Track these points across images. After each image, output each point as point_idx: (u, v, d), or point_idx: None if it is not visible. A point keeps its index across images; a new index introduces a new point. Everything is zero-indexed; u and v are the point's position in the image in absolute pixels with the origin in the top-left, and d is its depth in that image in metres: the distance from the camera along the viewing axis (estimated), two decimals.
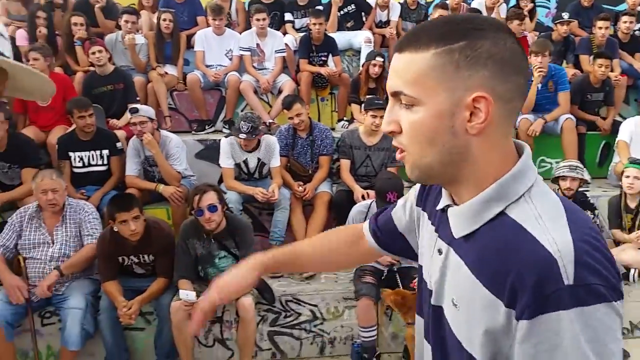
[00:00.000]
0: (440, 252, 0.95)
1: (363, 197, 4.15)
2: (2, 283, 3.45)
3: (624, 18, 6.20)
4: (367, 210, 3.79)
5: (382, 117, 4.31)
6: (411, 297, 3.24)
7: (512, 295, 0.78)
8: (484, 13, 6.39)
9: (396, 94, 0.87)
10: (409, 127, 0.86)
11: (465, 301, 0.87)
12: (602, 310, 0.75)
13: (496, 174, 0.86)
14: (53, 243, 3.53)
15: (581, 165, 4.27)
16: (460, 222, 0.90)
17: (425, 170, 0.88)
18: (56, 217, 3.56)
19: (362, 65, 5.52)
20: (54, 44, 5.67)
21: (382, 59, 5.24)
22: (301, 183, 4.39)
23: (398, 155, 0.91)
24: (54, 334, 3.53)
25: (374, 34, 6.28)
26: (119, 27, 5.91)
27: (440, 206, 0.98)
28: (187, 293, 3.25)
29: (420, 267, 1.07)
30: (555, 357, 0.75)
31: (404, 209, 1.19)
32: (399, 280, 3.58)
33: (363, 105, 4.67)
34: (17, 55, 5.54)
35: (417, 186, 1.13)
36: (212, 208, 3.33)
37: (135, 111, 4.22)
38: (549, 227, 0.80)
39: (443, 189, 0.97)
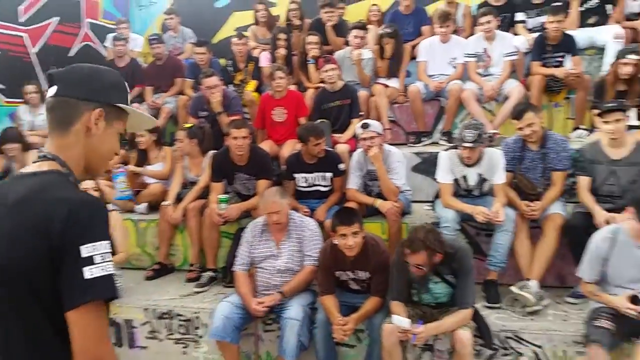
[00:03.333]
0: None
1: (607, 222, 3.51)
2: (239, 291, 3.74)
3: None
4: (614, 237, 3.19)
5: (618, 120, 3.65)
6: None
7: None
8: None
9: None
10: None
11: None
12: None
13: None
14: (280, 256, 3.76)
15: None
16: None
17: None
18: (282, 232, 3.80)
19: (611, 65, 4.73)
20: (290, 63, 6.15)
21: (637, 57, 4.42)
22: (529, 202, 3.93)
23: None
24: (274, 340, 3.76)
25: (624, 27, 5.35)
26: (347, 44, 6.15)
27: None
28: (400, 319, 3.14)
29: None
30: None
31: None
32: None
33: (595, 109, 3.99)
34: (259, 75, 6.18)
35: None
36: (417, 267, 3.17)
37: (366, 126, 4.30)
38: None
39: None
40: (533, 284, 3.64)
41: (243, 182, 4.65)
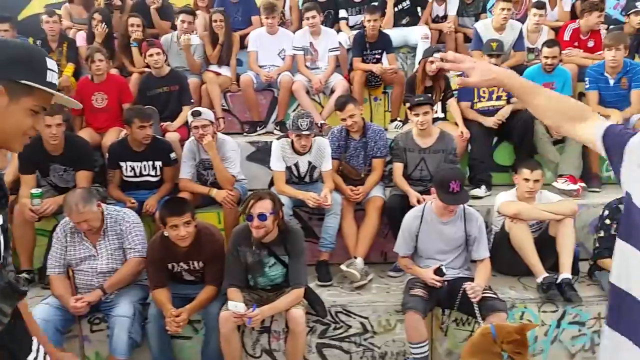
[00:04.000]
0: None
1: (419, 202, 3.95)
2: (55, 294, 3.45)
3: None
4: (422, 214, 3.60)
5: (425, 113, 4.12)
6: (523, 334, 2.70)
7: None
8: (548, 7, 6.00)
9: None
10: None
11: None
12: None
13: None
14: (98, 256, 3.47)
15: None
16: None
17: None
18: (97, 232, 3.47)
19: (419, 63, 5.28)
20: (111, 45, 5.76)
21: (439, 56, 5.00)
22: (353, 187, 4.23)
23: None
24: (103, 340, 3.53)
25: (430, 29, 6.01)
26: (174, 28, 5.94)
27: None
28: (235, 304, 3.16)
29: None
30: None
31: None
32: (477, 312, 3.30)
33: (407, 103, 4.47)
34: (78, 56, 5.70)
35: None
36: (261, 217, 3.23)
37: (197, 114, 4.19)
38: None
39: None
40: (359, 261, 3.94)
41: (59, 173, 4.26)
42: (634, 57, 5.63)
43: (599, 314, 3.69)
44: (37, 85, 1.36)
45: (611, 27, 6.03)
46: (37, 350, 1.59)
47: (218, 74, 5.59)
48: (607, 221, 3.74)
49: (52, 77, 1.40)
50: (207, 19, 5.96)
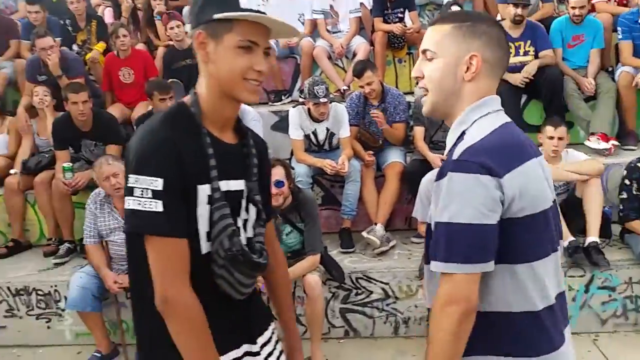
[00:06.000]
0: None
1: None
2: (91, 263, 3.63)
3: None
4: None
5: None
6: None
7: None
8: None
9: (424, 51, 1.34)
10: (429, 74, 1.32)
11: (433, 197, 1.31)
12: (469, 177, 1.17)
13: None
14: None
15: None
16: (449, 140, 1.33)
17: (434, 105, 1.34)
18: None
19: None
20: (136, 20, 5.84)
21: (457, 8, 4.83)
22: (371, 153, 4.21)
23: (424, 105, 1.38)
24: None
25: None
26: None
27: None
28: None
29: None
30: (435, 201, 1.23)
31: None
32: None
33: None
34: (105, 32, 5.82)
35: None
36: (278, 184, 3.28)
37: None
38: (472, 134, 1.25)
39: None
40: (379, 228, 3.96)
41: (90, 148, 4.44)
42: None
43: (630, 278, 3.60)
44: (227, 15, 1.25)
45: None
46: (272, 333, 1.57)
47: None
48: (627, 182, 3.61)
49: (247, 3, 1.30)
50: None
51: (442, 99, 1.31)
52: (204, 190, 1.30)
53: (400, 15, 5.39)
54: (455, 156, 1.21)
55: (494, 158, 1.19)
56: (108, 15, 5.99)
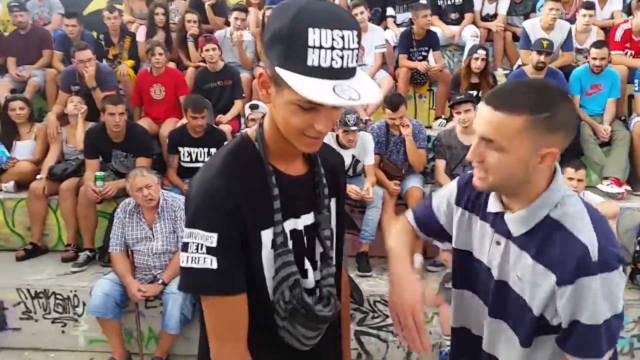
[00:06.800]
0: (498, 243, 1.37)
1: None
2: (116, 271, 3.69)
3: None
4: None
5: (467, 111, 4.20)
6: None
7: (560, 272, 1.23)
8: (597, 7, 5.90)
9: (489, 140, 1.24)
10: (495, 164, 1.24)
11: (528, 275, 1.30)
12: (616, 274, 1.21)
13: (540, 190, 1.29)
14: (154, 238, 3.67)
15: None
16: (517, 224, 1.31)
17: (495, 187, 1.31)
18: (153, 211, 3.68)
19: (464, 60, 5.33)
20: (169, 40, 6.05)
21: (484, 52, 5.04)
22: (398, 182, 4.38)
23: (476, 181, 1.31)
24: (157, 316, 3.78)
25: (479, 27, 6.03)
26: (227, 24, 6.17)
27: (493, 210, 1.39)
28: None
29: (469, 252, 1.49)
30: (586, 303, 1.20)
31: (444, 205, 1.55)
32: None
33: (450, 103, 4.54)
34: (137, 52, 6.01)
35: (453, 188, 1.52)
36: None
37: (255, 107, 4.42)
38: (577, 225, 1.25)
39: (493, 197, 1.39)
40: (416, 257, 4.06)
41: (120, 159, 4.56)
42: None
43: (639, 317, 3.69)
44: (285, 77, 1.04)
45: None
46: None
47: None
48: None
49: (317, 57, 1.01)
50: (259, 16, 6.16)
51: (507, 185, 1.29)
52: (267, 235, 1.21)
53: (424, 53, 5.62)
54: (594, 258, 1.21)
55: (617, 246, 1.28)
56: (141, 33, 6.18)
